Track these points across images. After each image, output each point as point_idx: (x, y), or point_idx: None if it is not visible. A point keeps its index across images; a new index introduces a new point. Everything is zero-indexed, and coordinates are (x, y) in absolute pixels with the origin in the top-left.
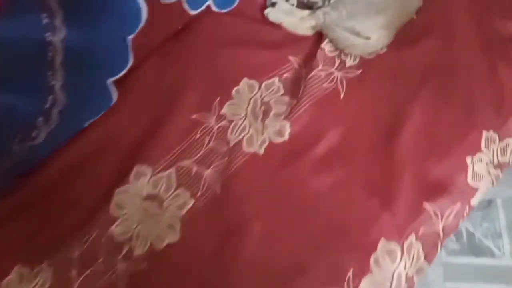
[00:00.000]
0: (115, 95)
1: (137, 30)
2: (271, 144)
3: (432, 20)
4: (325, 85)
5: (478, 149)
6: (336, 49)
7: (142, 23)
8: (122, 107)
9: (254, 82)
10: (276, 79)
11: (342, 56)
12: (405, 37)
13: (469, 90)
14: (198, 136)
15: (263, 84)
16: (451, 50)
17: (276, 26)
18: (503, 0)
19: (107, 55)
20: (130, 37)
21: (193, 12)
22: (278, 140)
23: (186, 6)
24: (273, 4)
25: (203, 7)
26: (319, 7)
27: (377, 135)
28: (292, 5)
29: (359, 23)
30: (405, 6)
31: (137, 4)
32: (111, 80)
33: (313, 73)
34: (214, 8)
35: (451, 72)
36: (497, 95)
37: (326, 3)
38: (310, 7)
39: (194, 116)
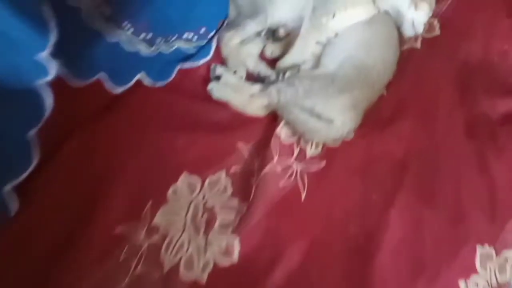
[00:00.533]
0: (13, 206)
1: (42, 122)
2: (216, 268)
3: (407, 97)
4: (282, 182)
5: (473, 269)
6: (294, 134)
7: (47, 114)
8: (23, 220)
9: (195, 179)
10: (222, 173)
11: (302, 143)
12: (375, 119)
13: (455, 189)
14: (122, 258)
15: (207, 181)
16: (431, 135)
17: (222, 105)
18: (488, 73)
19: (1, 157)
20: (33, 131)
21: (118, 90)
22: (225, 262)
23: (109, 85)
24: (217, 78)
25: (132, 83)
26: (272, 82)
27: (348, 253)
28: (241, 77)
29: (320, 103)
30: (373, 82)
31: (38, 94)
32: (8, 187)
33: (267, 168)
34: (146, 82)
35: (433, 165)
36: (489, 194)
37: (280, 77)
38: (262, 81)
39: (118, 229)
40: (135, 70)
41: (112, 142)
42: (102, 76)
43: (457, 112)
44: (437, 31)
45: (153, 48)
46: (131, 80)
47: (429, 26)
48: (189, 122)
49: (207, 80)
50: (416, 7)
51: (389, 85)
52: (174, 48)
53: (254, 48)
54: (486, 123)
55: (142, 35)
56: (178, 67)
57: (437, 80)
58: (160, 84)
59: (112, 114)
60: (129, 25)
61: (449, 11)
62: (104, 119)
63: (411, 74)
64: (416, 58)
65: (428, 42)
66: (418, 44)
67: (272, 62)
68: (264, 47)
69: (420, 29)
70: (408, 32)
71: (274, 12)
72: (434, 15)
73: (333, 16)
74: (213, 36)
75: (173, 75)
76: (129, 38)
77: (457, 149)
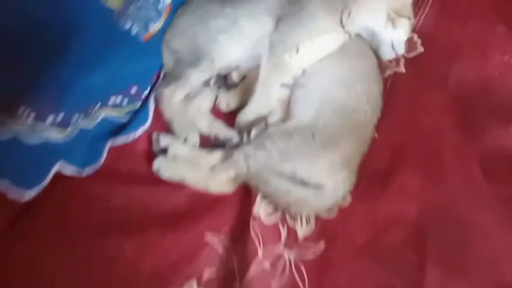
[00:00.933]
0: None
1: None
2: None
3: (403, 138)
4: (275, 283)
5: None
6: (277, 209)
7: None
8: None
9: None
10: (193, 284)
11: (289, 221)
12: (372, 172)
13: (488, 251)
14: None
15: None
16: (443, 185)
17: (176, 187)
18: (491, 92)
19: None
20: None
21: (30, 194)
22: None
23: (14, 193)
24: (163, 151)
25: (48, 179)
26: (236, 146)
27: None
28: (194, 145)
29: (302, 165)
30: (362, 127)
31: None
32: None
33: (252, 268)
34: (69, 172)
35: (455, 224)
36: None
37: (245, 137)
38: (222, 145)
39: None
40: (49, 162)
41: (32, 266)
42: (1, 185)
43: (466, 150)
44: (419, 48)
45: (69, 130)
46: (45, 176)
47: (409, 44)
48: (136, 218)
49: (150, 156)
50: (394, 24)
51: (379, 125)
52: (99, 119)
53: (204, 103)
54: (504, 157)
55: (50, 119)
56: (108, 145)
57: (433, 111)
58: (88, 171)
59: (27, 226)
60: (28, 110)
61: (428, 23)
62: (17, 238)
63: (402, 106)
64: (403, 85)
65: (412, 62)
66: (402, 68)
67: (231, 118)
68: (216, 99)
69: (401, 49)
70: (387, 55)
71: (221, 54)
72: (412, 30)
73: (297, 50)
74: (148, 96)
75: (104, 157)
76: (30, 128)
77: (477, 197)
